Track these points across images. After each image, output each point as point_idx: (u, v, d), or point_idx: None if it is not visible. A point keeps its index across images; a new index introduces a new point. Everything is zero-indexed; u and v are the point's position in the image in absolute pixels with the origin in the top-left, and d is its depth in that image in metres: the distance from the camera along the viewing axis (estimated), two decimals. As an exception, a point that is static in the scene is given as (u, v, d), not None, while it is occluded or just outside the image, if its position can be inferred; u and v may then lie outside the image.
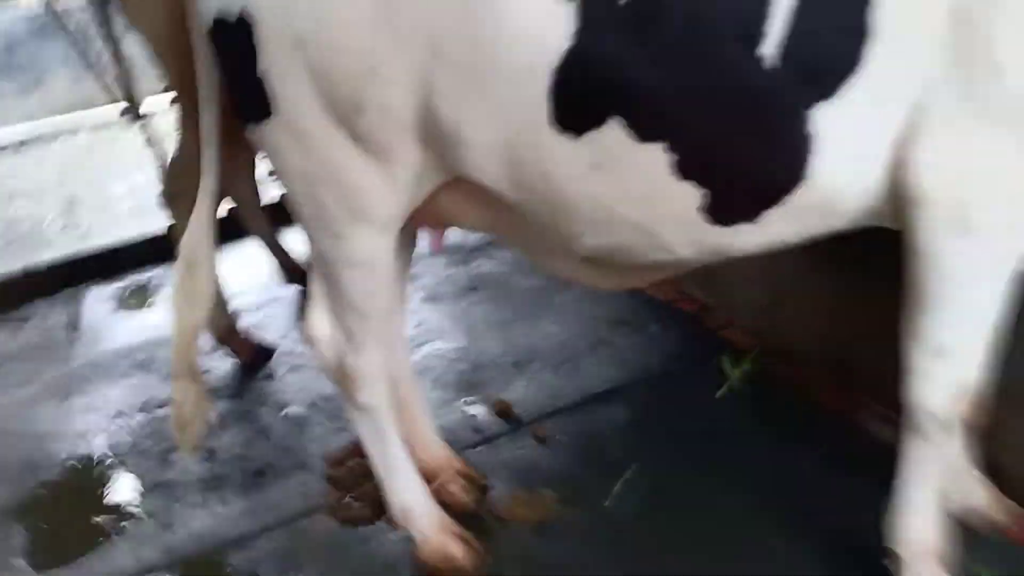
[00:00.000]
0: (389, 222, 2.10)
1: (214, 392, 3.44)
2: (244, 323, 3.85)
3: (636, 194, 1.81)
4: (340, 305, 2.26)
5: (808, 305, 3.08)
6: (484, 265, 4.34)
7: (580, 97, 1.72)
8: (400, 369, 2.67)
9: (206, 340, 3.60)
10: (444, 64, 1.76)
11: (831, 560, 2.35)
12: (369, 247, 2.12)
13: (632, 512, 2.62)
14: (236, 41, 1.89)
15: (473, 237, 4.49)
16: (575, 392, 3.25)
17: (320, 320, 2.36)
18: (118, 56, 3.66)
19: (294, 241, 4.24)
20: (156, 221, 4.42)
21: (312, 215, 2.11)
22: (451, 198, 2.09)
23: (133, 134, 4.15)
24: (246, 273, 4.39)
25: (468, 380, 3.41)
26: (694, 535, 2.51)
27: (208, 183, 2.30)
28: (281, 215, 4.06)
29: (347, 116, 1.88)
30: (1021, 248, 1.79)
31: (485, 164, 1.88)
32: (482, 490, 2.77)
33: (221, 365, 3.74)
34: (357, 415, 2.47)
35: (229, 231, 4.34)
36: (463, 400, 3.29)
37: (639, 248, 1.95)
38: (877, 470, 2.27)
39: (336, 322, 2.32)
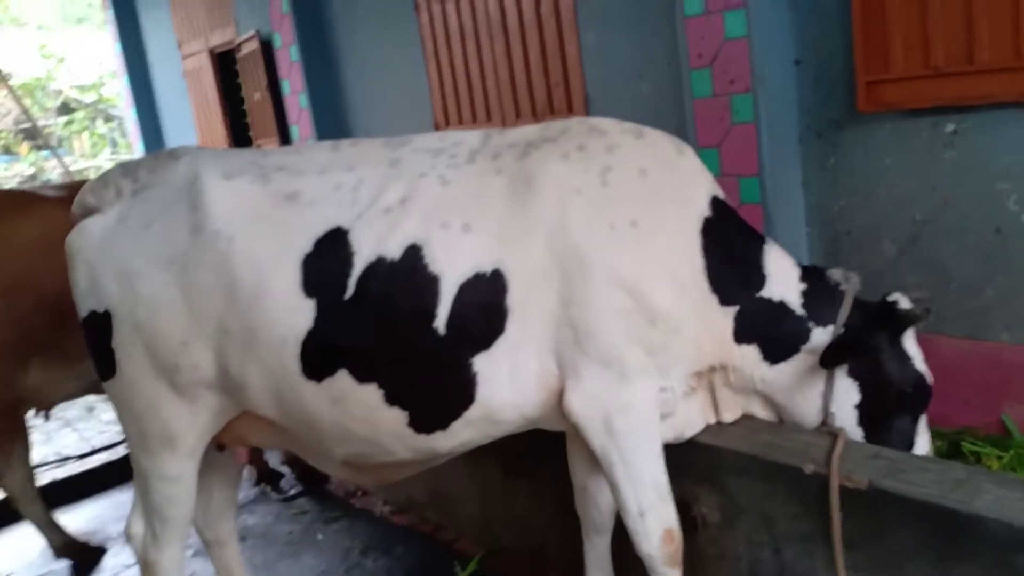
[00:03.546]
0: (194, 448, 2.88)
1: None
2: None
3: (362, 417, 2.66)
4: (149, 510, 2.97)
5: (509, 512, 3.99)
6: (248, 519, 4.89)
7: (318, 357, 2.61)
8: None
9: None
10: (230, 338, 2.64)
11: None
12: (176, 466, 2.87)
13: None
14: (101, 325, 2.75)
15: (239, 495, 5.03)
16: (335, 609, 3.87)
17: (136, 521, 3.05)
18: None
19: (65, 520, 4.63)
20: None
21: (138, 441, 2.88)
22: (243, 425, 2.90)
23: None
24: (19, 553, 4.66)
25: (238, 616, 3.90)
26: None
27: None
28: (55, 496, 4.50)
29: (168, 373, 2.72)
30: (654, 430, 2.68)
31: (262, 402, 2.73)
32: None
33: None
34: None
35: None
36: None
37: (373, 454, 2.78)
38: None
39: (146, 523, 3.00)
